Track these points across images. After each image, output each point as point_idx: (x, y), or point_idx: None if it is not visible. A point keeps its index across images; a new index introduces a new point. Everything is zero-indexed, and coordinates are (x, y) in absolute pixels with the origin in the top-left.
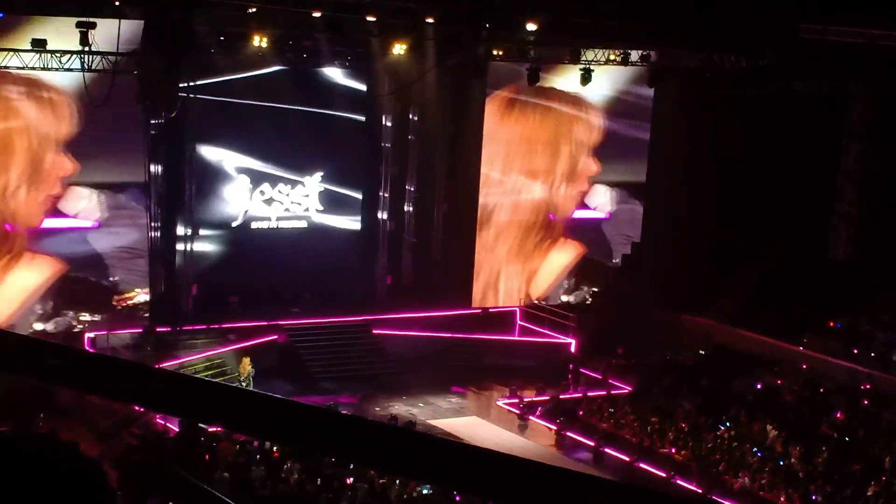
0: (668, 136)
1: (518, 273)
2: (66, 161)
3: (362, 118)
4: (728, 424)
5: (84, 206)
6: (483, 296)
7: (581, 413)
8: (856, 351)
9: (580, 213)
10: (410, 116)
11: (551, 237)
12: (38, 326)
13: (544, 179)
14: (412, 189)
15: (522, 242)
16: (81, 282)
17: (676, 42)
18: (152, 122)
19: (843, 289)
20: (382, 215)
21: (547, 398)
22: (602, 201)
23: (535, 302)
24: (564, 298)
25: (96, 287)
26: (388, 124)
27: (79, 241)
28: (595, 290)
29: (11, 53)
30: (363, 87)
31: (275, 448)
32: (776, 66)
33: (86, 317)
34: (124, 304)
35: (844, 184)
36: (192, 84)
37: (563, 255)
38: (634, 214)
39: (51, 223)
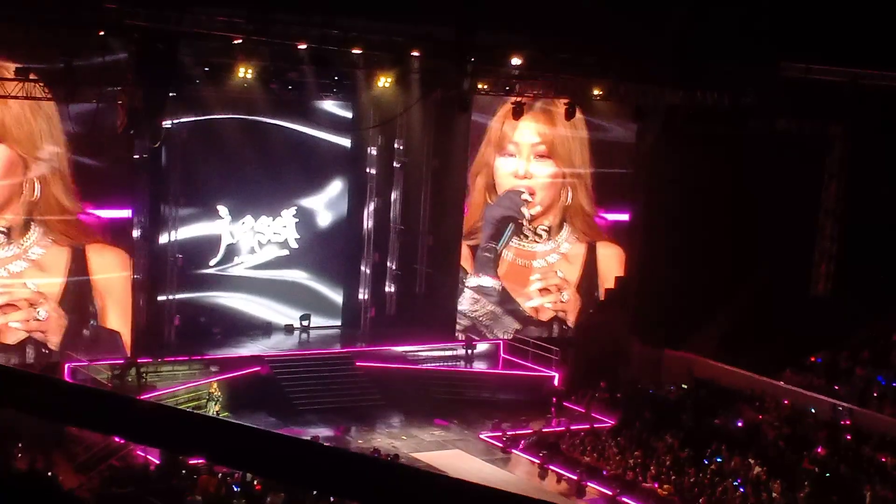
0: (651, 173)
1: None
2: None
3: (347, 142)
4: (709, 460)
5: None
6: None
7: (564, 446)
8: (837, 387)
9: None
10: (396, 146)
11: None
12: None
13: None
14: (397, 222)
15: None
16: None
17: (659, 79)
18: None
19: (823, 325)
20: (366, 247)
21: (530, 431)
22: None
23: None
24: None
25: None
26: (374, 153)
27: None
28: (578, 323)
29: None
30: (349, 115)
31: (256, 480)
32: (758, 104)
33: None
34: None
35: (825, 221)
36: (176, 122)
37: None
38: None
39: None
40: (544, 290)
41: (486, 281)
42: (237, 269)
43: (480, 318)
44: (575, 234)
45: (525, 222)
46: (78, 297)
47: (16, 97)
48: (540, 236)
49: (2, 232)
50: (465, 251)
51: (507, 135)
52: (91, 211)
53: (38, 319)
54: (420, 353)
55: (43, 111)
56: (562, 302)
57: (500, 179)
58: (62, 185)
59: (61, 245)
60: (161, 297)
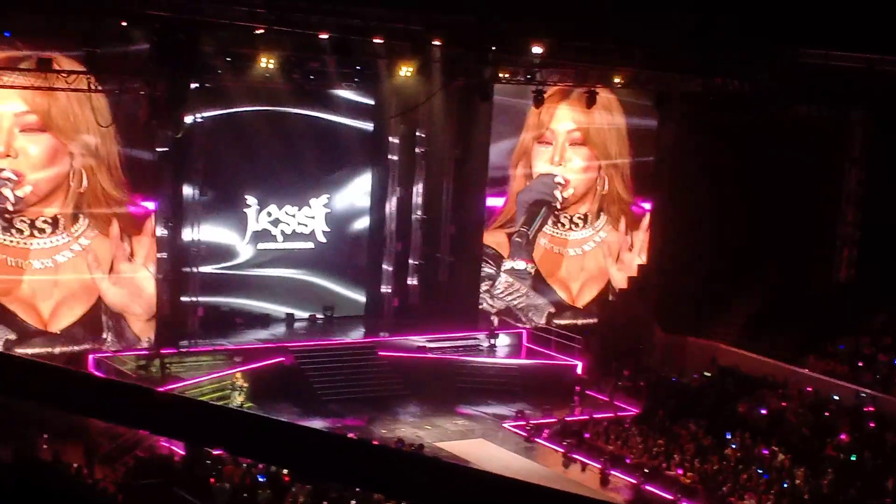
0: (672, 161)
1: None
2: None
3: (369, 132)
4: (734, 446)
5: None
6: None
7: (588, 435)
8: (861, 372)
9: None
10: (417, 135)
11: None
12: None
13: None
14: (419, 211)
15: None
16: None
17: (679, 67)
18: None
19: (845, 311)
20: (389, 236)
21: (553, 420)
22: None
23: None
24: None
25: None
26: (396, 142)
27: None
28: (601, 312)
29: (17, 73)
30: (371, 104)
31: (283, 471)
32: (778, 91)
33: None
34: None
35: (846, 207)
36: (199, 117)
37: None
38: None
39: None
40: (580, 277)
41: (520, 264)
42: (261, 257)
43: (515, 303)
44: (612, 223)
45: (558, 206)
46: (118, 288)
47: (38, 88)
48: (577, 224)
49: (48, 222)
50: (502, 238)
51: (544, 122)
52: (137, 202)
53: (80, 309)
54: (443, 343)
55: (89, 102)
56: (597, 288)
57: (537, 167)
58: (108, 176)
59: (107, 236)
60: (184, 289)
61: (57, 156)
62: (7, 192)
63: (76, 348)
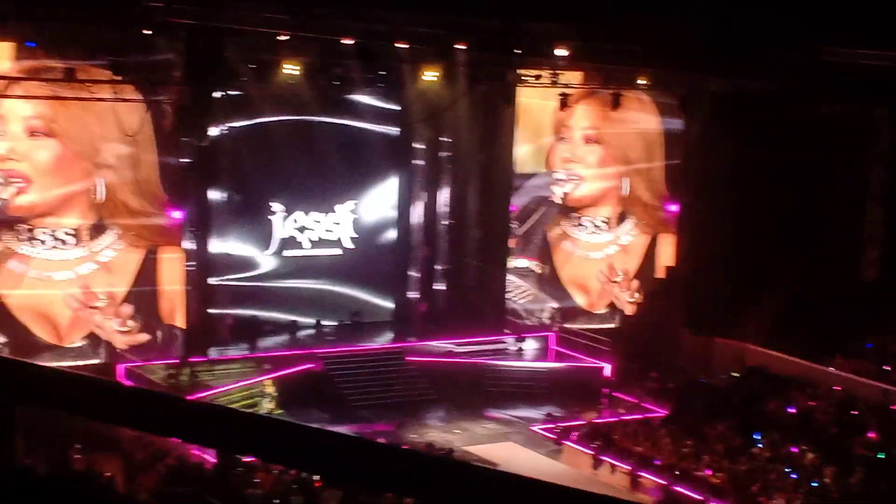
0: (697, 162)
1: None
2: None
3: (394, 137)
4: (762, 446)
5: None
6: None
7: (616, 437)
8: (887, 371)
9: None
10: (443, 139)
11: None
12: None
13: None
14: (445, 216)
15: None
16: None
17: (703, 67)
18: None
19: (872, 310)
20: (415, 240)
21: (582, 423)
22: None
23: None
24: None
25: None
26: (421, 147)
27: None
28: (628, 313)
29: (41, 84)
30: (396, 109)
31: (315, 477)
32: (802, 89)
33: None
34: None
35: (872, 205)
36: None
37: None
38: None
39: None
40: (600, 281)
41: (522, 262)
42: (288, 266)
43: (521, 302)
44: (639, 227)
45: (558, 202)
46: (144, 299)
47: (63, 98)
48: (599, 227)
49: (70, 234)
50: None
51: (562, 120)
52: (164, 213)
53: (104, 321)
54: (471, 347)
55: (113, 111)
56: (616, 293)
57: (557, 165)
58: (132, 187)
59: (136, 247)
60: (212, 300)
61: (71, 164)
62: (9, 191)
63: (84, 362)
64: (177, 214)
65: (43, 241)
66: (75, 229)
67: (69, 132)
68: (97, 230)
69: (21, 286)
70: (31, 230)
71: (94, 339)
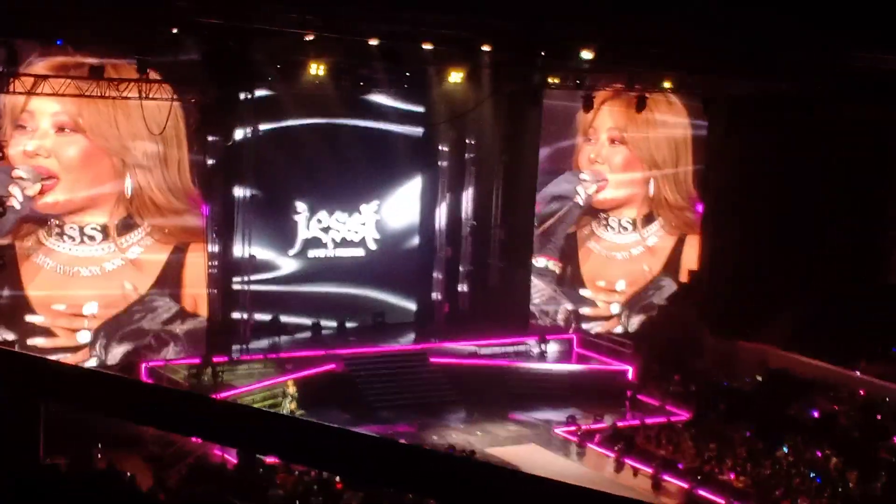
0: (721, 164)
1: None
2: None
3: (419, 138)
4: (786, 450)
5: None
6: None
7: (639, 440)
8: None
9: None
10: (467, 141)
11: None
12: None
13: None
14: (469, 217)
15: None
16: None
17: (728, 70)
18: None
19: None
20: (439, 242)
21: (605, 426)
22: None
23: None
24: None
25: None
26: (445, 148)
27: None
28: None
29: (69, 81)
30: (420, 111)
31: (336, 478)
32: (827, 92)
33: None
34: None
35: None
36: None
37: None
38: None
39: None
40: (624, 282)
41: (541, 262)
42: (312, 266)
43: (536, 301)
44: (665, 228)
45: (581, 203)
46: (169, 296)
47: (90, 96)
48: (625, 228)
49: (97, 230)
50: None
51: (590, 122)
52: (190, 212)
53: (127, 318)
54: (494, 349)
55: (140, 110)
56: (638, 295)
57: (582, 166)
58: (160, 186)
59: (164, 244)
60: (235, 301)
61: (98, 161)
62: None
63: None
64: (201, 214)
65: (72, 238)
66: (103, 226)
67: (96, 128)
68: (126, 227)
69: (49, 281)
70: (60, 226)
71: (115, 336)
